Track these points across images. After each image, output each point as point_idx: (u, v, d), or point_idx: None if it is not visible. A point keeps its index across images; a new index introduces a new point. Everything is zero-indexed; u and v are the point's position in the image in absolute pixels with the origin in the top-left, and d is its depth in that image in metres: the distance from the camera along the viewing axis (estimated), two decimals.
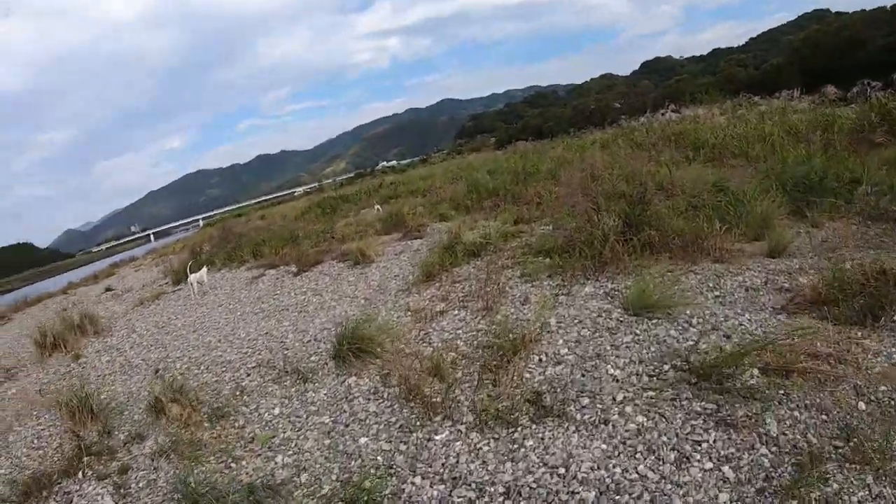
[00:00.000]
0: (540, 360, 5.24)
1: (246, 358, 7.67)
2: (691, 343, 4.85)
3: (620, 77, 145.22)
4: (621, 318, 5.66)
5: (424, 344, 6.44)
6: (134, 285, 19.86)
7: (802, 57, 50.99)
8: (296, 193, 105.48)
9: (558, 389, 4.69)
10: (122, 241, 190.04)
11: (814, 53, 49.49)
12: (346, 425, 5.16)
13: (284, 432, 5.34)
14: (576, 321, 5.87)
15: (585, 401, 4.44)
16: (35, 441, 6.55)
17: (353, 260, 11.69)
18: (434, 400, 4.98)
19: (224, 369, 7.46)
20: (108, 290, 20.26)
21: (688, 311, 5.39)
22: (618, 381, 4.60)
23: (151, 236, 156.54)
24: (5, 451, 6.47)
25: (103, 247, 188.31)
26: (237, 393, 6.51)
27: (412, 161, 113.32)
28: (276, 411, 5.81)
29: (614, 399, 4.35)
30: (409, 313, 7.57)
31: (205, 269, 14.17)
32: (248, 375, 6.98)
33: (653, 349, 4.93)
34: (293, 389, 6.21)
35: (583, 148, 19.65)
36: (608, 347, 5.15)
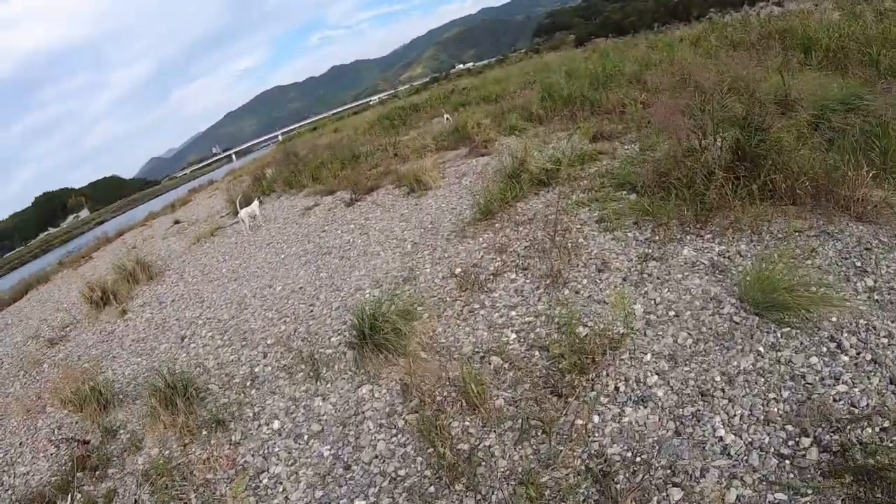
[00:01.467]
0: (617, 389, 3.63)
1: (270, 326, 6.73)
2: (843, 391, 3.07)
3: None
4: (736, 318, 3.91)
5: (467, 328, 4.99)
6: (201, 215, 19.57)
7: None
8: (371, 102, 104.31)
9: (638, 459, 3.08)
10: (204, 163, 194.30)
11: None
12: (347, 467, 3.85)
13: (276, 465, 4.13)
14: (671, 313, 4.19)
15: (677, 494, 2.82)
16: (49, 439, 5.95)
17: (409, 188, 10.49)
18: (460, 447, 3.54)
19: (244, 343, 6.54)
20: (176, 222, 20.22)
21: (833, 318, 3.64)
22: (730, 456, 2.92)
23: (233, 156, 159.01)
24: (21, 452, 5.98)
25: (187, 171, 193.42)
26: (248, 383, 5.51)
27: (489, 62, 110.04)
28: (276, 425, 4.61)
29: (723, 501, 2.71)
30: (455, 276, 6.11)
31: (256, 202, 13.28)
32: (265, 357, 5.97)
33: (786, 394, 3.17)
34: (303, 388, 5.02)
35: (670, 46, 17.32)
36: (717, 378, 3.43)
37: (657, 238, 5.35)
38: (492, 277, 5.70)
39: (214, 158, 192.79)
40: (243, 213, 12.52)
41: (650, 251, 5.18)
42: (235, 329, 7.07)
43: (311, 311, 6.69)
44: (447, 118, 17.78)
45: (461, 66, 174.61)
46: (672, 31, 26.53)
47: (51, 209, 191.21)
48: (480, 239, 6.86)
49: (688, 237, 5.21)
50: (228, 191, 21.18)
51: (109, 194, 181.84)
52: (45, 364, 8.66)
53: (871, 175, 4.83)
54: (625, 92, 11.77)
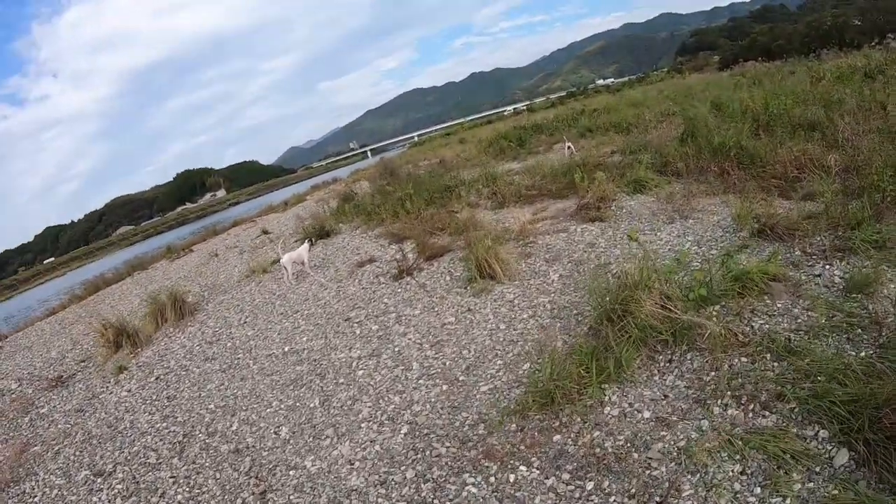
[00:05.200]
0: None
1: None
2: None
3: None
4: None
5: None
6: (291, 227, 17.34)
7: None
8: (505, 113, 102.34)
9: None
10: (341, 157, 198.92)
11: None
12: None
13: None
14: None
15: None
16: None
17: (472, 273, 7.33)
18: None
19: None
20: (264, 232, 18.35)
21: None
22: None
23: (368, 153, 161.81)
24: None
25: (323, 163, 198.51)
26: None
27: (629, 79, 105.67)
28: None
29: None
30: None
31: (306, 245, 10.68)
32: None
33: None
34: None
35: (842, 78, 13.47)
36: None
37: None
38: None
39: (352, 153, 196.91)
40: (286, 258, 10.15)
41: None
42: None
43: None
44: (569, 147, 14.93)
45: (600, 81, 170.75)
46: (830, 59, 22.53)
47: (190, 185, 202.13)
48: (512, 477, 3.56)
49: None
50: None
51: (247, 177, 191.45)
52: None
53: None
54: (801, 147, 8.13)
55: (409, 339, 6.24)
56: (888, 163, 6.24)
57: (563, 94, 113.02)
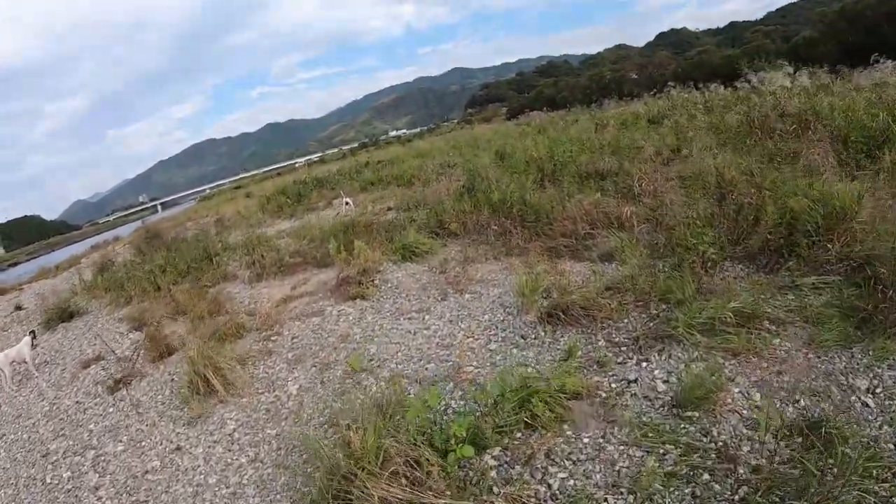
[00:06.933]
0: None
1: None
2: None
3: (635, 48, 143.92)
4: None
5: None
6: (50, 300, 13.58)
7: (838, 30, 44.11)
8: (296, 165, 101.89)
9: None
10: (129, 211, 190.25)
11: (851, 27, 42.72)
12: None
13: None
14: None
15: None
16: None
17: (185, 391, 5.58)
18: None
19: None
20: (18, 308, 15.00)
21: None
22: None
23: (159, 207, 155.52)
24: None
25: (110, 218, 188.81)
26: None
27: (420, 130, 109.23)
28: None
29: None
30: None
31: (28, 339, 8.60)
32: None
33: None
34: None
35: (626, 124, 13.40)
36: None
37: None
38: None
39: (141, 207, 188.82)
40: (1, 359, 8.14)
41: None
42: None
43: None
44: (347, 203, 13.95)
45: (393, 132, 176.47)
46: (611, 108, 23.63)
47: None
48: None
49: None
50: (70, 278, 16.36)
51: (28, 234, 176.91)
52: None
53: None
54: (592, 199, 7.18)
55: (100, 497, 4.36)
56: (702, 217, 5.21)
57: (356, 145, 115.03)
